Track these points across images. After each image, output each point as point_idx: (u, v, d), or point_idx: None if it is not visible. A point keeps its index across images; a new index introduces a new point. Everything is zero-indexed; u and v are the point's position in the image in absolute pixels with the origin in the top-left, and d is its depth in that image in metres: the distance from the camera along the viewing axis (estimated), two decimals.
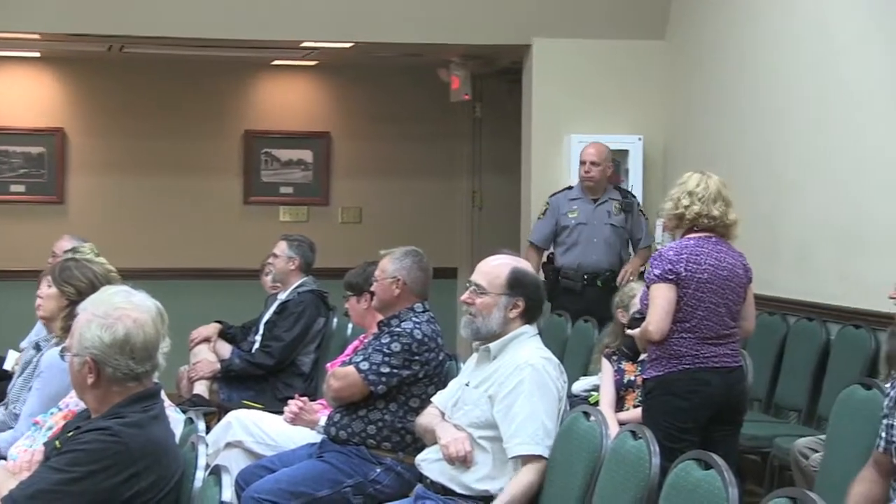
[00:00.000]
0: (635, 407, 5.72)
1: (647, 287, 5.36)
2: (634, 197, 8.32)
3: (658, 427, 4.81)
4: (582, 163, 8.13)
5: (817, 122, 7.06)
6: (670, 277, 5.23)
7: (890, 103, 6.43)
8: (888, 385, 4.50)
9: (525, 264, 4.71)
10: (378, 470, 5.13)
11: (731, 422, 5.44)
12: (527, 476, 4.29)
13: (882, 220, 6.40)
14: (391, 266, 5.35)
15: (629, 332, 5.56)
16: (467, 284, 4.60)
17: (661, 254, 5.34)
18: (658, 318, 5.23)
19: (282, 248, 7.44)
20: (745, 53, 7.93)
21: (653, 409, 5.31)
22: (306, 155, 11.02)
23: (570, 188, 8.30)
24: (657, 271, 5.27)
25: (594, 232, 8.09)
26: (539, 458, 4.29)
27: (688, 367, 5.27)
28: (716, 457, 3.38)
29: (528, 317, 4.54)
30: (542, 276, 7.65)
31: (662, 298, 5.24)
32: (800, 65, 7.31)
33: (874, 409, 4.52)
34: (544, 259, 8.22)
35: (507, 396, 4.36)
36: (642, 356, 5.70)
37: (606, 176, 8.19)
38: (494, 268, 4.57)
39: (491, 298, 4.51)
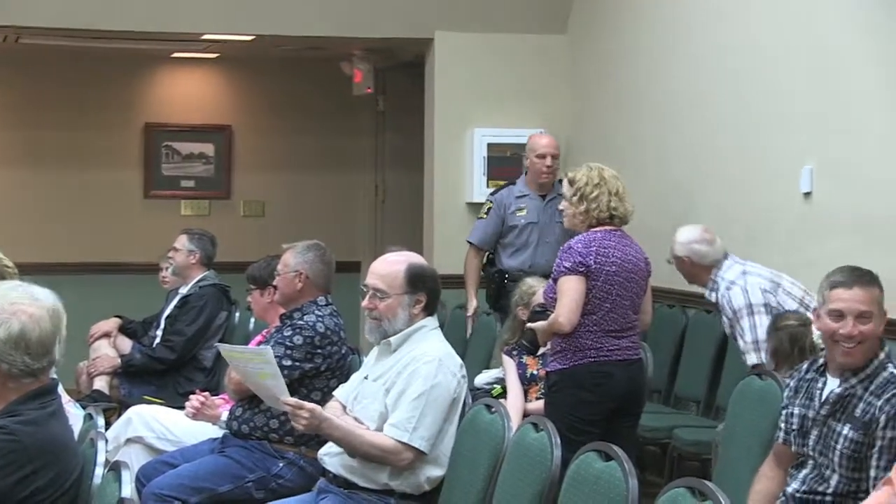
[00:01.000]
0: (538, 399, 5.76)
1: (555, 280, 5.39)
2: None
3: (562, 419, 4.85)
4: (541, 156, 7.51)
5: (714, 117, 7.15)
6: (581, 270, 5.28)
7: (786, 98, 6.53)
8: (788, 377, 4.60)
9: (418, 258, 4.66)
10: (280, 464, 5.11)
11: (632, 413, 5.51)
12: (385, 441, 4.30)
13: (780, 217, 6.50)
14: (294, 260, 5.33)
15: (530, 325, 5.59)
16: (364, 289, 4.55)
17: (571, 246, 5.37)
18: (569, 310, 5.26)
19: (182, 241, 7.38)
20: (645, 48, 8.01)
21: (557, 402, 5.35)
22: (208, 148, 10.94)
23: (511, 184, 7.71)
24: (567, 264, 5.30)
25: (546, 232, 7.49)
26: (407, 446, 4.28)
27: (592, 359, 5.32)
28: (616, 448, 3.41)
29: (429, 309, 4.54)
30: (484, 279, 7.62)
31: (573, 290, 5.27)
32: (698, 60, 7.40)
33: (770, 398, 4.61)
34: (484, 261, 7.70)
35: (399, 386, 4.36)
36: (542, 350, 5.74)
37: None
38: (391, 268, 4.52)
39: (393, 300, 4.48)
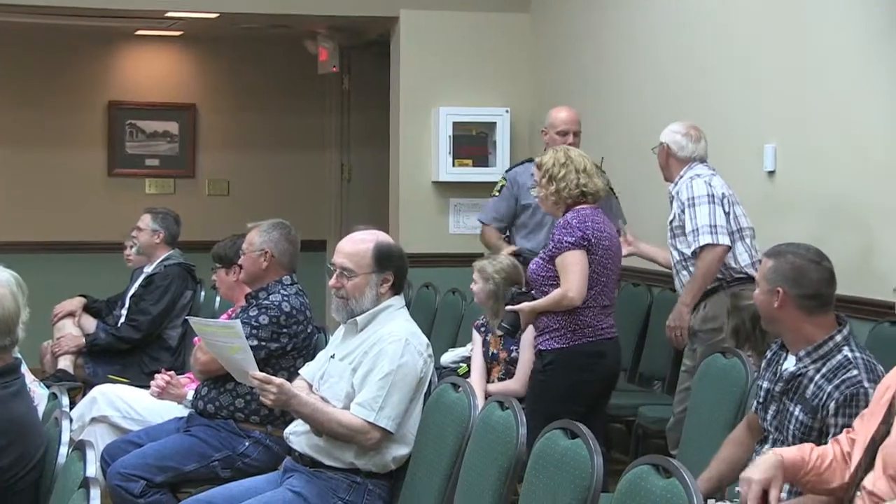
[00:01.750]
0: (500, 380, 5.78)
1: (551, 258, 5.31)
2: (604, 172, 6.68)
3: (557, 399, 4.86)
4: (562, 133, 6.75)
5: (677, 95, 7.17)
6: (584, 244, 5.26)
7: (751, 76, 6.56)
8: (749, 356, 4.63)
9: (386, 236, 4.64)
10: (246, 443, 5.11)
11: (608, 393, 5.54)
12: (352, 419, 4.30)
13: (744, 195, 6.51)
14: (259, 239, 5.32)
15: (512, 308, 5.50)
16: (331, 268, 4.53)
17: (568, 222, 5.31)
18: (580, 284, 5.23)
19: (146, 221, 7.35)
20: (607, 26, 8.02)
21: (553, 382, 5.32)
22: (172, 127, 10.89)
23: (530, 160, 6.89)
24: (570, 238, 5.26)
25: None
26: (374, 426, 4.28)
27: (590, 339, 5.32)
28: (581, 426, 3.42)
29: (396, 288, 4.54)
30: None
31: (579, 264, 5.25)
32: (661, 38, 7.42)
33: (734, 376, 4.63)
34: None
35: (366, 365, 4.36)
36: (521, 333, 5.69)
37: None
38: (358, 247, 4.50)
39: (361, 279, 4.46)
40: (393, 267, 4.51)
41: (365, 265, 4.47)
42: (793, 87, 6.23)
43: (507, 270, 5.98)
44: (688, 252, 5.81)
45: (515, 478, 3.68)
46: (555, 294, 5.28)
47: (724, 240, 5.71)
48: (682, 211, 5.81)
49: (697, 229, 5.73)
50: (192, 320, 5.08)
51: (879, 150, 5.64)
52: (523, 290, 5.56)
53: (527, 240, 6.87)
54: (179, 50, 10.88)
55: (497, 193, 7.04)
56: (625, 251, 5.87)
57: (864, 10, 5.74)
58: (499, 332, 5.80)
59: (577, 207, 5.39)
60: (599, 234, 5.31)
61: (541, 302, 5.35)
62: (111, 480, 4.98)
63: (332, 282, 4.51)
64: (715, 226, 5.70)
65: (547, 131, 6.83)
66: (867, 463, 3.36)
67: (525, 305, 5.39)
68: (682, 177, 5.92)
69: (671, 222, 5.94)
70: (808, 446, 3.53)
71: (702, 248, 5.70)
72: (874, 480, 3.31)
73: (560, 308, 5.30)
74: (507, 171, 7.19)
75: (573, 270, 5.25)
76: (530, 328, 5.52)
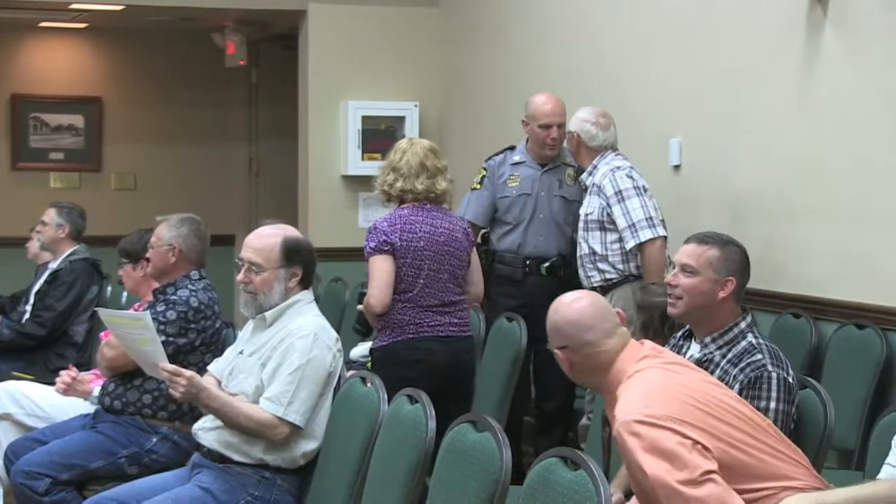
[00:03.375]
0: None
1: (367, 262, 5.32)
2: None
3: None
4: (545, 127, 6.29)
5: (586, 92, 7.21)
6: (386, 248, 5.22)
7: (656, 72, 6.63)
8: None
9: (294, 230, 4.62)
10: (154, 439, 5.07)
11: (462, 395, 5.36)
12: (261, 414, 4.28)
13: (653, 189, 6.59)
14: (167, 233, 5.27)
15: (359, 307, 5.48)
16: (239, 262, 4.51)
17: (376, 226, 5.29)
18: (378, 291, 5.21)
19: (51, 215, 7.26)
20: (514, 22, 8.05)
21: (382, 379, 5.28)
22: (77, 120, 10.77)
23: (511, 149, 6.49)
24: (372, 244, 5.24)
25: (540, 206, 6.38)
26: (282, 420, 4.27)
27: (411, 336, 5.25)
28: (490, 419, 3.44)
29: (305, 282, 4.53)
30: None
31: (380, 270, 5.22)
32: (569, 36, 7.47)
33: None
34: (478, 240, 6.34)
35: (275, 360, 4.35)
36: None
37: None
38: (266, 242, 4.47)
39: (269, 273, 4.44)
40: (301, 261, 4.50)
41: (273, 260, 4.45)
42: (696, 83, 6.30)
43: None
44: (601, 249, 5.80)
45: (424, 471, 3.69)
46: (365, 300, 5.30)
47: (662, 230, 5.73)
48: (608, 205, 5.79)
49: (634, 224, 5.72)
50: (102, 312, 5.03)
51: (784, 145, 5.73)
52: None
53: (503, 238, 6.38)
54: (84, 42, 10.75)
55: (478, 186, 6.43)
56: None
57: (769, 7, 5.82)
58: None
59: (402, 206, 5.36)
60: (410, 236, 5.24)
61: (360, 306, 5.39)
62: (15, 479, 4.92)
63: (240, 277, 4.49)
64: (651, 218, 5.72)
65: (528, 122, 6.37)
66: None
67: (360, 307, 5.41)
68: (596, 167, 5.91)
69: (587, 215, 5.90)
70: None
71: (642, 243, 5.71)
72: None
73: (368, 315, 5.32)
74: (486, 160, 6.51)
75: (373, 277, 5.23)
76: None
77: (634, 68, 6.82)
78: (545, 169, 6.40)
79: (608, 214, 5.81)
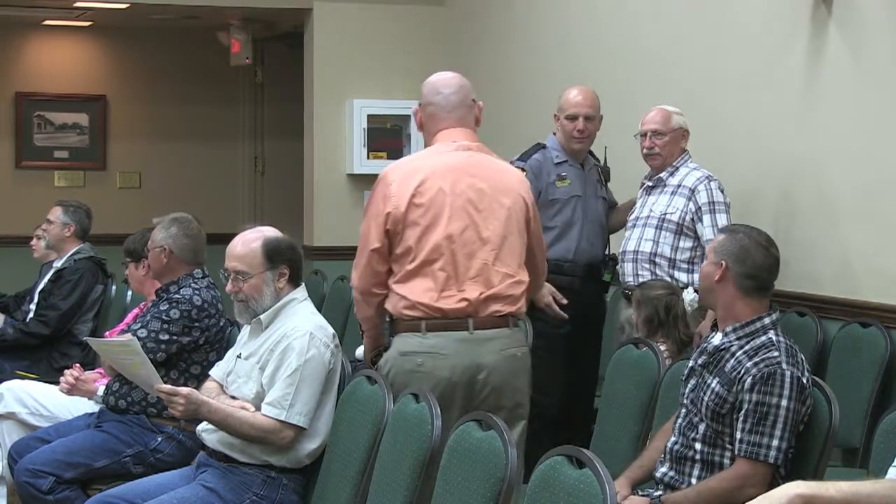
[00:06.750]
0: None
1: None
2: (599, 163, 6.11)
3: None
4: (571, 118, 5.84)
5: (596, 89, 7.21)
6: None
7: (662, 70, 6.63)
8: (662, 343, 4.68)
9: (273, 231, 4.57)
10: (159, 439, 5.07)
11: None
12: (264, 421, 4.28)
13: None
14: (158, 235, 5.26)
15: None
16: (224, 273, 4.49)
17: None
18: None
19: (56, 214, 7.26)
20: (521, 22, 8.04)
21: None
22: (82, 118, 10.77)
23: (542, 147, 5.92)
24: None
25: (589, 208, 5.92)
26: (286, 424, 4.27)
27: None
28: (495, 418, 3.44)
29: (295, 279, 4.52)
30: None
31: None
32: (575, 35, 7.46)
33: (647, 367, 4.68)
34: None
35: (273, 363, 4.34)
36: None
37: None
38: (247, 248, 4.44)
39: (257, 279, 4.42)
40: (285, 260, 4.47)
41: (257, 264, 4.43)
42: (699, 83, 6.29)
43: None
44: (670, 252, 5.57)
45: (431, 470, 3.68)
46: None
47: None
48: (699, 211, 5.55)
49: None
50: (92, 342, 5.05)
51: (788, 144, 5.71)
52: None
53: (554, 245, 5.77)
54: (89, 40, 10.75)
55: None
56: None
57: (773, 7, 5.82)
58: None
59: None
60: None
61: None
62: (19, 477, 4.92)
63: (228, 287, 4.47)
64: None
65: (558, 115, 5.92)
66: None
67: None
68: (677, 168, 5.67)
69: (666, 214, 5.62)
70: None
71: None
72: None
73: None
74: (519, 159, 5.80)
75: None
76: None
77: (634, 68, 6.81)
78: (587, 169, 5.97)
79: (692, 220, 5.56)
